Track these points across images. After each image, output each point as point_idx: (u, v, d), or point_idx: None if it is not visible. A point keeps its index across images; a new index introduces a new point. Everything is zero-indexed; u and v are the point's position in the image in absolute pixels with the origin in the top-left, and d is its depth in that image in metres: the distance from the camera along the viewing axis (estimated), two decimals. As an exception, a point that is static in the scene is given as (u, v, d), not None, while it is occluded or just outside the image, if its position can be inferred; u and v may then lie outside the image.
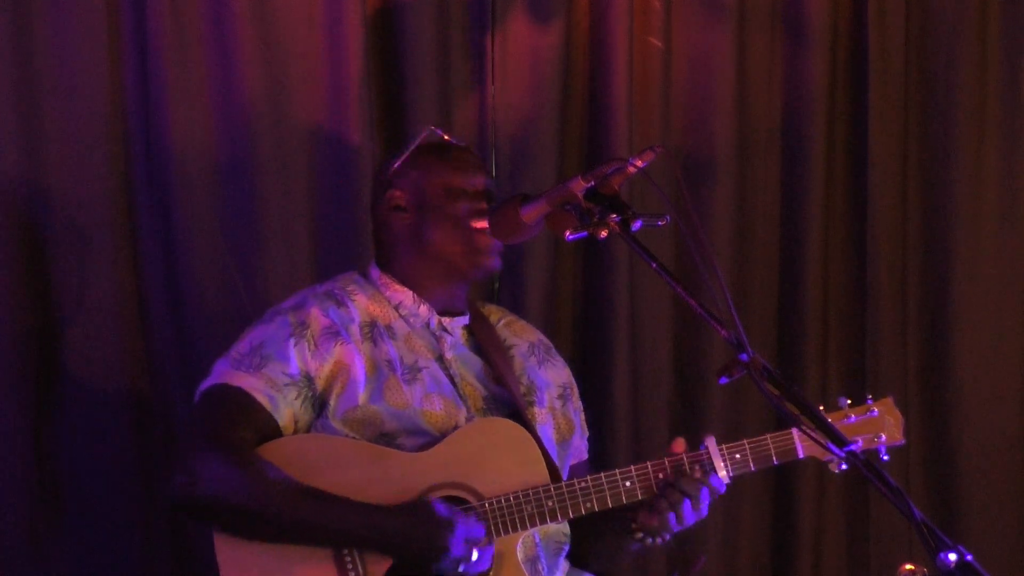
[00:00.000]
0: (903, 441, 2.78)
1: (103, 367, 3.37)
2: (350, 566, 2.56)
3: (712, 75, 3.78)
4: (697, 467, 2.67)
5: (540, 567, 2.70)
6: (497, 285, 3.62)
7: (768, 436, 2.71)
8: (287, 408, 2.64)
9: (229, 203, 3.44)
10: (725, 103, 3.79)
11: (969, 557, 1.89)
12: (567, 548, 2.79)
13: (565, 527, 2.78)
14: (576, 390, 2.96)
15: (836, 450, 2.04)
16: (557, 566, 2.76)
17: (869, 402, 2.77)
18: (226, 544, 2.57)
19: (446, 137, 2.86)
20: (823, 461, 2.67)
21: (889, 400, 2.79)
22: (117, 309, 3.38)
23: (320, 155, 3.49)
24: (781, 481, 3.88)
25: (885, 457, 2.76)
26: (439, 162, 2.81)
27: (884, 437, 2.75)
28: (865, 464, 2.00)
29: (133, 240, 3.41)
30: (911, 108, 3.93)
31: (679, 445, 2.71)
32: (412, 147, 2.85)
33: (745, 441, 2.71)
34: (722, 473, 2.68)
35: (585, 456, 2.92)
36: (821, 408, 2.72)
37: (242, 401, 2.62)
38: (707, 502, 2.67)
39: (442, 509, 2.54)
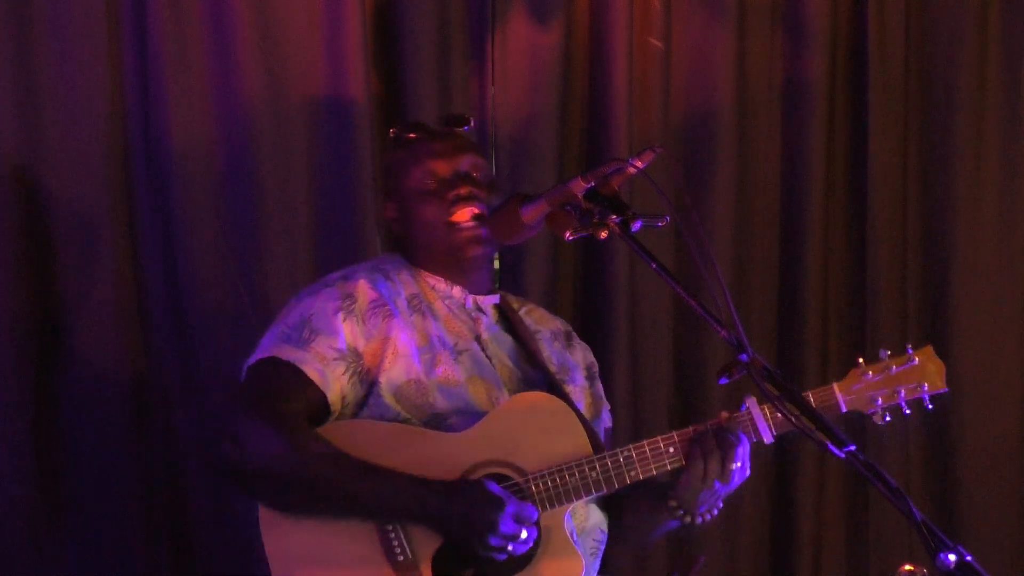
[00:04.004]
0: (946, 389, 2.75)
1: (103, 365, 3.37)
2: (397, 547, 2.53)
3: (712, 75, 3.79)
4: (739, 427, 2.64)
5: None
6: (497, 285, 3.62)
7: (809, 392, 2.68)
8: (336, 383, 2.61)
9: (229, 203, 3.44)
10: (725, 102, 3.79)
11: (969, 557, 1.89)
12: (602, 549, 2.76)
13: (602, 524, 2.75)
14: (598, 368, 2.94)
15: (836, 451, 2.03)
16: (592, 569, 2.72)
17: (909, 351, 2.75)
18: (272, 525, 2.53)
19: (410, 135, 2.82)
20: (866, 414, 2.67)
21: (929, 348, 2.76)
22: (117, 308, 3.39)
23: (320, 155, 3.50)
24: (781, 481, 3.88)
25: (930, 406, 2.73)
26: (407, 164, 2.79)
27: (927, 386, 2.72)
28: (865, 464, 2.00)
29: (133, 239, 3.41)
30: (911, 108, 3.94)
31: (723, 415, 2.68)
32: (385, 157, 2.84)
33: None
34: (763, 429, 2.66)
35: (609, 424, 2.89)
36: (861, 360, 2.71)
37: (292, 375, 2.59)
38: (742, 460, 2.62)
39: (494, 488, 2.51)
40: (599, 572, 2.76)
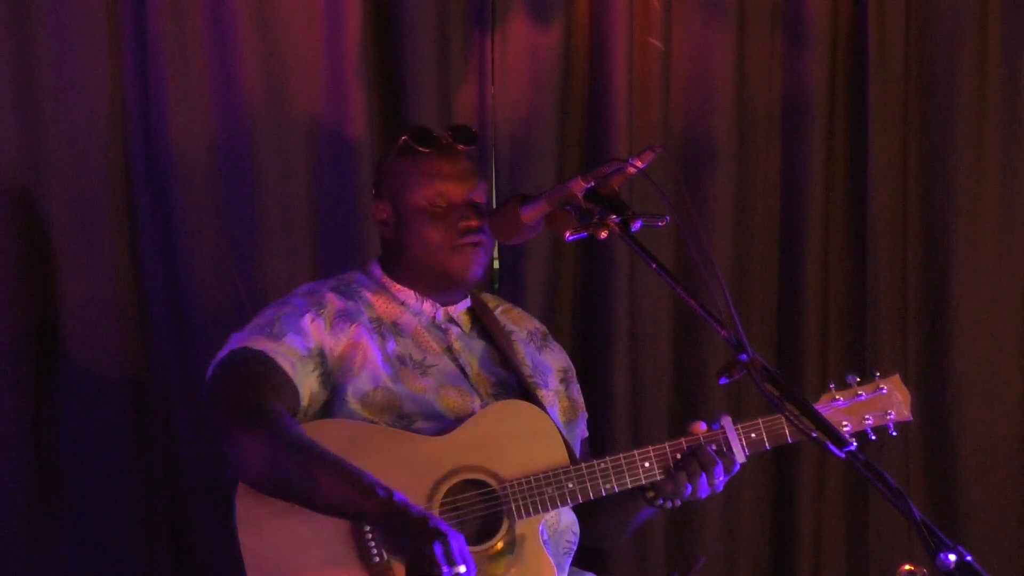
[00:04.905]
0: (911, 418, 2.81)
1: (103, 365, 3.37)
2: (373, 548, 2.52)
3: (712, 75, 3.78)
4: (713, 445, 2.69)
5: None
6: (497, 286, 3.63)
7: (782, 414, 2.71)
8: (306, 379, 2.63)
9: (229, 202, 3.45)
10: (725, 103, 3.79)
11: (969, 557, 1.89)
12: (574, 548, 2.79)
13: (575, 526, 2.78)
14: (574, 372, 2.96)
15: (836, 450, 2.03)
16: (564, 567, 2.75)
17: (877, 378, 2.80)
18: (248, 526, 2.54)
19: (421, 149, 2.76)
20: None
21: (896, 377, 2.82)
22: (117, 308, 3.39)
23: (320, 155, 3.50)
24: (781, 481, 3.88)
25: (894, 432, 2.79)
26: (415, 177, 2.76)
27: (893, 414, 2.79)
28: (865, 464, 2.00)
29: (133, 240, 3.41)
30: (911, 108, 3.93)
31: (698, 427, 2.72)
32: (388, 158, 2.83)
33: (760, 420, 2.73)
34: (736, 450, 2.70)
35: (586, 434, 2.93)
36: (832, 386, 2.75)
37: (265, 364, 2.60)
38: (722, 478, 2.69)
39: (439, 522, 2.43)
40: (573, 565, 2.79)
